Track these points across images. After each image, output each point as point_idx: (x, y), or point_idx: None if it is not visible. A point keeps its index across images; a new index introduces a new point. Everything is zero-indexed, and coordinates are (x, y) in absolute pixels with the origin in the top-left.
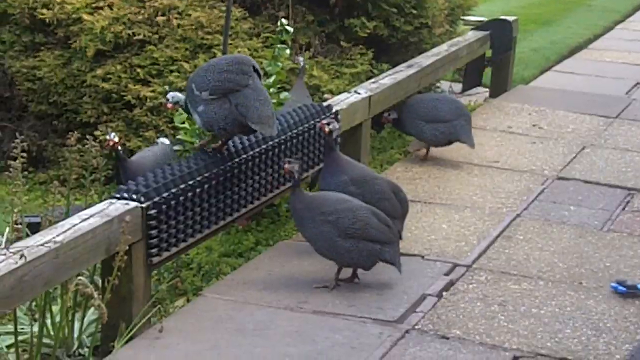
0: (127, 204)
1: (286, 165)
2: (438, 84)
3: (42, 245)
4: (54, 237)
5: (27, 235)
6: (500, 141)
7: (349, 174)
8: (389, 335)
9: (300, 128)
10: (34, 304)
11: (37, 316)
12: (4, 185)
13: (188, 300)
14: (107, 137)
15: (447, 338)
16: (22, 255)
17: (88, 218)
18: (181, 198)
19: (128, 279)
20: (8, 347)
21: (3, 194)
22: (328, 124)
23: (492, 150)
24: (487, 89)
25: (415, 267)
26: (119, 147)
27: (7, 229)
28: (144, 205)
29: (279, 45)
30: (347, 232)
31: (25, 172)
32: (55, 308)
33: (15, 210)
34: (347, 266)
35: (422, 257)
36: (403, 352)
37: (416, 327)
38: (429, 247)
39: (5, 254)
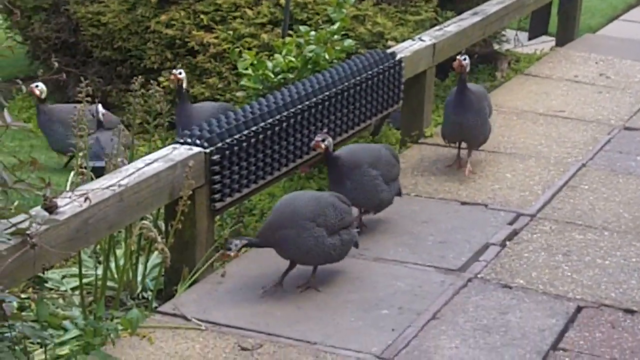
0: (190, 149)
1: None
2: (503, 33)
3: (106, 188)
4: (118, 181)
5: (92, 179)
6: (567, 90)
7: (365, 161)
8: (451, 284)
9: (364, 75)
10: (98, 247)
11: (101, 259)
12: None
13: None
14: (174, 71)
15: (510, 287)
16: (86, 198)
17: (152, 162)
18: (244, 144)
19: (191, 224)
20: (73, 289)
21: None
22: (323, 140)
23: (558, 100)
24: (553, 38)
25: (478, 216)
26: (184, 86)
27: (72, 173)
28: (207, 150)
29: None
30: (334, 228)
31: (91, 117)
32: (119, 252)
33: (80, 154)
34: (329, 262)
35: (486, 206)
36: (465, 300)
37: (479, 275)
38: (492, 196)
39: (70, 197)
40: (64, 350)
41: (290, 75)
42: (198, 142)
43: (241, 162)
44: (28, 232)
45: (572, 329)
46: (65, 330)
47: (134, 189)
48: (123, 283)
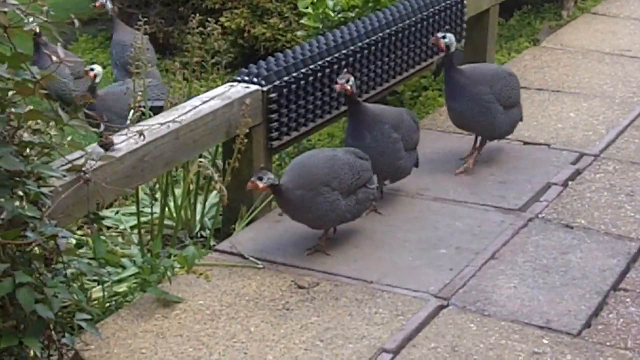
0: (247, 87)
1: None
2: None
3: (162, 125)
4: (174, 119)
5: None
6: (634, 30)
7: (389, 120)
8: (510, 223)
9: (425, 12)
10: (156, 185)
11: (158, 196)
12: None
13: None
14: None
15: (572, 227)
16: (141, 134)
17: (209, 100)
18: (302, 82)
19: (248, 162)
20: (131, 227)
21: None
22: (347, 81)
23: (625, 39)
24: None
25: (540, 156)
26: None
27: (132, 111)
28: (264, 88)
29: None
30: (350, 189)
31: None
32: (177, 191)
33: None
34: (345, 222)
35: (548, 145)
36: (525, 240)
37: (540, 215)
38: (555, 135)
39: (126, 134)
40: (122, 288)
41: (351, 14)
42: (255, 80)
43: (299, 100)
44: (83, 168)
45: (634, 269)
46: (124, 267)
47: (190, 126)
48: (181, 221)
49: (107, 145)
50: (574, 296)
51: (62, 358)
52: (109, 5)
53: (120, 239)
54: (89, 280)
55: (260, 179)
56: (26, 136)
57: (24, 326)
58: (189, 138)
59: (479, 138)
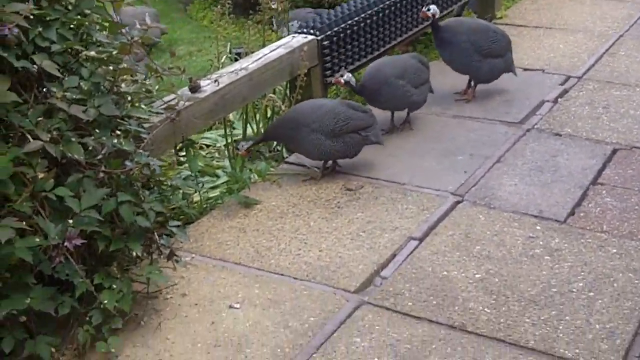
0: (305, 37)
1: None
2: None
3: (240, 70)
4: (248, 64)
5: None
6: None
7: (392, 74)
8: (513, 134)
9: None
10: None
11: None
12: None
13: None
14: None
15: (560, 135)
16: (215, 80)
17: (276, 49)
18: (348, 31)
19: (309, 94)
20: (225, 145)
21: (217, 28)
22: (342, 75)
23: None
24: None
25: (537, 79)
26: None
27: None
28: (319, 38)
29: None
30: (334, 132)
31: (232, 15)
32: (258, 116)
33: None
34: (337, 159)
35: (543, 70)
36: (524, 147)
37: (535, 126)
38: (548, 63)
39: (209, 79)
40: (216, 193)
41: None
42: (312, 31)
43: (346, 45)
44: (177, 107)
45: (609, 167)
46: (218, 177)
47: (261, 70)
48: None
49: (195, 88)
50: (561, 190)
51: (160, 255)
52: None
53: (217, 154)
54: (190, 187)
55: (238, 149)
56: (124, 87)
57: (129, 233)
58: (261, 79)
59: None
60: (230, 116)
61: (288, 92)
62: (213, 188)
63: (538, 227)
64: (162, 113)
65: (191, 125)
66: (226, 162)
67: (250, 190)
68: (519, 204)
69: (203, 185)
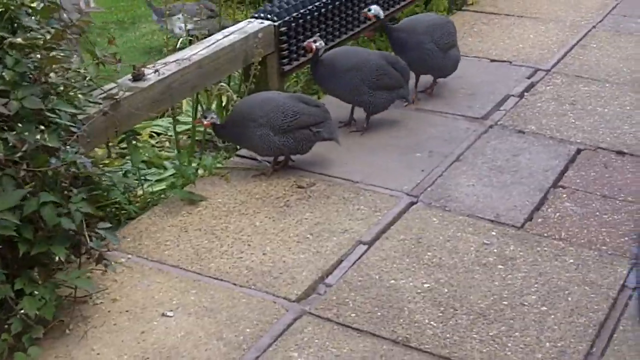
0: (262, 22)
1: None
2: None
3: (187, 58)
4: (198, 51)
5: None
6: None
7: (350, 66)
8: (474, 130)
9: None
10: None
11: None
12: None
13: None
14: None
15: (524, 132)
16: (156, 70)
17: (229, 35)
18: (308, 17)
19: (264, 85)
20: (178, 133)
21: None
22: (314, 41)
23: None
24: None
25: (503, 71)
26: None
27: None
28: (276, 23)
29: None
30: (282, 128)
31: None
32: (214, 105)
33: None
34: (287, 154)
35: (510, 62)
36: (485, 144)
37: (499, 123)
38: (516, 54)
39: (154, 67)
40: (161, 186)
41: None
42: (269, 16)
43: (305, 32)
44: (117, 97)
45: (572, 169)
46: (165, 169)
47: (211, 57)
48: None
49: (139, 76)
50: (520, 193)
51: (90, 258)
52: None
53: (167, 143)
54: (129, 183)
55: (205, 117)
56: (53, 76)
57: (53, 236)
58: (212, 67)
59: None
60: (185, 104)
61: (242, 80)
62: (159, 181)
63: (493, 233)
64: (100, 103)
65: (134, 116)
66: (175, 153)
67: (196, 185)
68: (475, 206)
69: (145, 179)
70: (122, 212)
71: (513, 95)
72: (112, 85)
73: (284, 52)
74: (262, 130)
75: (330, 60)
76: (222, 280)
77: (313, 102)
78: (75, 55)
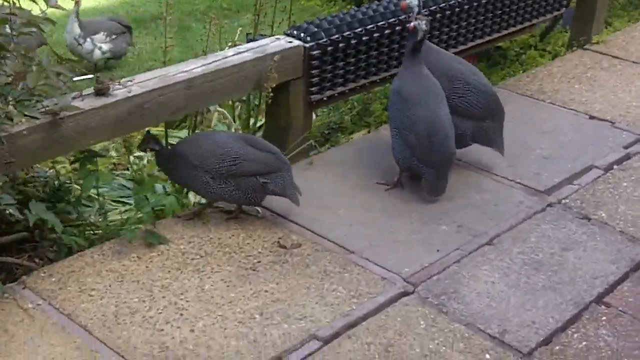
0: (290, 41)
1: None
2: None
3: (173, 75)
4: (195, 67)
5: None
6: None
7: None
8: (528, 206)
9: None
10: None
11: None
12: None
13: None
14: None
15: (589, 219)
16: (124, 86)
17: (244, 52)
18: (341, 44)
19: (285, 115)
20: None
21: None
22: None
23: None
24: None
25: (600, 132)
26: None
27: None
28: (307, 45)
29: None
30: (220, 173)
31: None
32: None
33: None
34: (235, 203)
35: (612, 123)
36: (533, 227)
37: (563, 201)
38: (624, 113)
39: (120, 82)
40: (125, 216)
41: None
42: (302, 35)
43: (346, 58)
44: (58, 114)
45: (630, 280)
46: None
47: (208, 77)
48: None
49: (102, 91)
50: (548, 304)
51: None
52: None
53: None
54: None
55: (147, 142)
56: None
57: None
58: (207, 88)
59: None
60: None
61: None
62: (129, 209)
63: (487, 357)
64: (37, 118)
65: (90, 135)
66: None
67: (166, 221)
68: (481, 313)
69: (103, 208)
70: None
71: (597, 167)
72: (53, 100)
73: (314, 79)
74: (199, 173)
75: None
76: (123, 358)
77: (265, 147)
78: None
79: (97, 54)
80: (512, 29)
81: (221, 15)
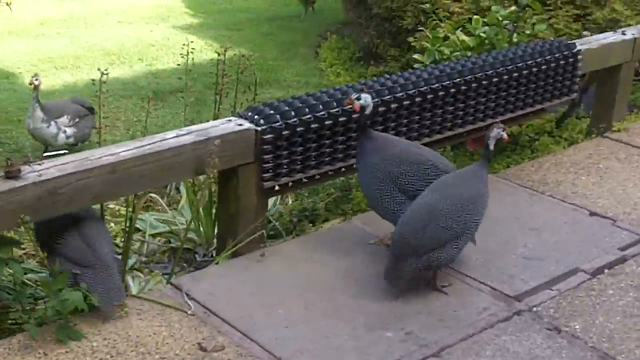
0: (240, 124)
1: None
2: None
3: (95, 159)
4: (122, 150)
5: None
6: None
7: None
8: (491, 314)
9: (530, 62)
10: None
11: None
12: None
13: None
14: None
15: (559, 332)
16: (39, 174)
17: (186, 134)
18: (299, 128)
19: (234, 202)
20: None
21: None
22: (358, 98)
23: None
24: None
25: (597, 231)
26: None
27: None
28: (259, 128)
29: None
30: (48, 248)
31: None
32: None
33: None
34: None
35: (614, 221)
36: (492, 339)
37: (534, 309)
38: (630, 210)
39: (35, 165)
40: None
41: (469, 53)
42: (256, 117)
43: (305, 144)
44: None
45: None
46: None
47: (136, 160)
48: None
49: (12, 174)
50: None
51: None
52: None
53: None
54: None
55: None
56: None
57: None
58: (135, 172)
59: None
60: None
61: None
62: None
63: None
64: None
65: None
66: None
67: (68, 323)
68: None
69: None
70: None
71: (583, 271)
72: None
73: (267, 165)
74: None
75: None
76: None
77: (86, 239)
78: None
79: (62, 137)
80: (519, 112)
81: (240, 89)
